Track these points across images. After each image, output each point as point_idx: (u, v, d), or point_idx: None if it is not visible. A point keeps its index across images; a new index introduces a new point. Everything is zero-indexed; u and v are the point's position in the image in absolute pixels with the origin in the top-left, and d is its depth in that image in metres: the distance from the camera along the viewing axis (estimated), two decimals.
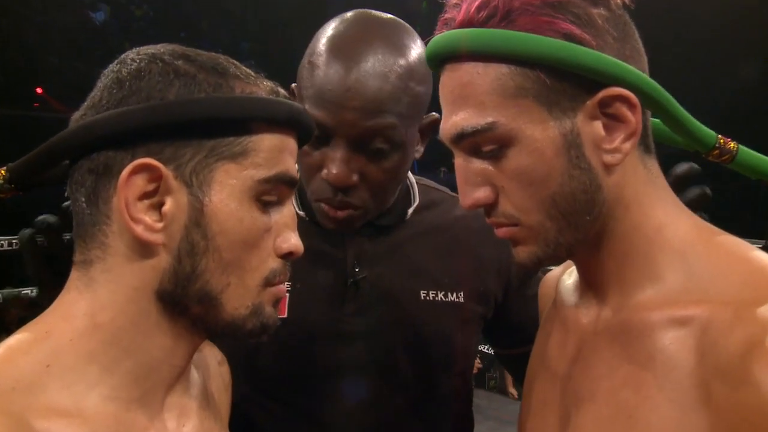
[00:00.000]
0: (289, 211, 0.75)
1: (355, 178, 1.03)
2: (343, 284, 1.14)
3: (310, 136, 0.79)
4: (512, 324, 1.26)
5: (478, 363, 4.35)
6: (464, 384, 1.28)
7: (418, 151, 1.13)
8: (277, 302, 0.75)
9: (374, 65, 1.00)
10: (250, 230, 0.69)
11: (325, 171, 1.03)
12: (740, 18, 6.38)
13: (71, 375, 0.66)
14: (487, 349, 4.46)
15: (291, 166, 0.73)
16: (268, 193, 0.71)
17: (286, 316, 1.12)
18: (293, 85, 1.13)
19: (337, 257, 1.15)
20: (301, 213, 1.16)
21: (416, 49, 1.06)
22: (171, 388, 0.73)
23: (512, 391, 6.56)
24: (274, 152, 0.71)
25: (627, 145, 0.72)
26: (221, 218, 0.67)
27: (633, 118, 0.72)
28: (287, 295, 1.13)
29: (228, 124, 0.68)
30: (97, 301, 0.68)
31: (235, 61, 0.74)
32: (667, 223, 0.75)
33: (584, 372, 0.78)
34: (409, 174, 1.22)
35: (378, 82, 1.00)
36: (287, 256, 0.74)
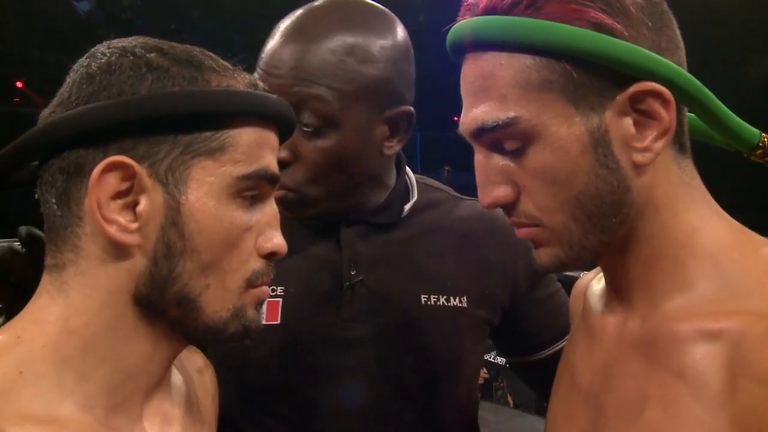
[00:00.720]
0: (271, 209, 0.74)
1: (284, 154, 1.02)
2: (339, 288, 1.12)
3: (292, 129, 0.78)
4: (523, 330, 1.25)
5: (484, 372, 4.35)
6: (469, 394, 1.27)
7: (389, 147, 1.11)
8: (260, 304, 0.75)
9: (310, 36, 1.02)
10: (229, 230, 0.69)
11: None
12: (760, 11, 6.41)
13: (45, 382, 0.65)
14: (494, 358, 4.47)
15: (272, 161, 0.72)
16: (248, 191, 0.70)
17: (279, 322, 1.12)
18: None
19: (332, 259, 1.13)
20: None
21: (378, 31, 1.05)
22: (150, 395, 0.73)
23: (510, 400, 6.58)
24: (254, 147, 0.70)
25: (659, 144, 0.71)
26: (199, 217, 0.67)
27: (666, 116, 0.70)
28: (280, 300, 1.12)
29: (204, 118, 0.68)
30: (71, 305, 0.67)
31: (211, 54, 0.73)
32: (700, 227, 0.74)
33: (610, 385, 0.77)
34: (409, 171, 1.20)
35: (307, 52, 1.01)
36: (270, 256, 0.73)
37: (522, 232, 0.76)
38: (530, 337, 1.20)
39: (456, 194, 1.23)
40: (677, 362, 0.68)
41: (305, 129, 1.01)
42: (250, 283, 0.71)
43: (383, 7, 1.09)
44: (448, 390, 1.18)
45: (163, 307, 0.68)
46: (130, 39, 0.72)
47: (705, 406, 0.65)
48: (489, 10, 0.72)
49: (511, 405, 6.53)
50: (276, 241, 0.73)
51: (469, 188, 1.25)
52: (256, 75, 1.02)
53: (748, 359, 0.63)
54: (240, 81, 0.72)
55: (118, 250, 0.66)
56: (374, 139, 1.07)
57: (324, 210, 1.08)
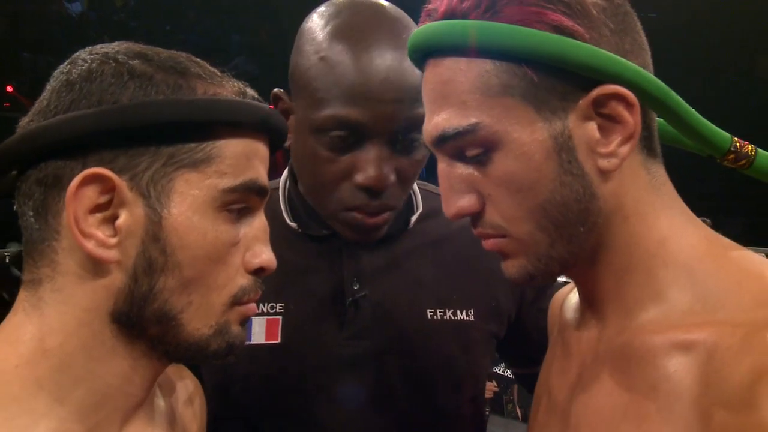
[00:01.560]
0: (260, 223, 0.74)
1: (393, 177, 1.02)
2: (342, 304, 1.13)
3: (283, 140, 0.78)
4: (529, 341, 1.25)
5: (494, 386, 4.33)
6: (476, 410, 1.27)
7: None
8: (244, 321, 0.75)
9: (397, 52, 0.99)
10: (214, 245, 0.69)
11: (359, 175, 1.01)
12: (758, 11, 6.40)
13: (16, 405, 0.65)
14: (503, 371, 4.45)
15: (261, 173, 0.73)
16: (235, 204, 0.71)
17: (279, 341, 1.11)
18: (276, 90, 1.11)
19: (334, 274, 1.14)
20: (293, 225, 1.14)
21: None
22: (130, 418, 0.73)
23: (519, 413, 6.56)
24: (241, 159, 0.71)
25: (624, 149, 0.71)
26: (181, 232, 0.67)
27: (631, 119, 0.71)
28: (280, 318, 1.11)
29: (188, 128, 0.68)
30: (46, 323, 0.68)
31: (198, 60, 0.73)
32: (671, 236, 0.74)
33: (584, 401, 0.78)
34: None
35: (410, 67, 0.98)
36: (258, 272, 0.74)
37: (488, 244, 0.77)
38: (537, 348, 1.21)
39: None
40: (651, 375, 0.69)
41: (408, 147, 1.02)
42: (236, 300, 0.72)
43: (390, 3, 1.12)
44: (455, 406, 1.18)
45: (143, 325, 0.68)
46: (113, 44, 0.72)
47: (679, 421, 0.65)
48: (448, 15, 0.73)
49: (520, 418, 6.51)
50: (264, 256, 0.73)
51: None
52: (335, 107, 0.97)
53: (721, 372, 0.64)
54: (228, 88, 0.72)
55: (96, 266, 0.67)
56: None
57: None
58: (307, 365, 1.13)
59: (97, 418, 0.69)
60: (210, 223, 0.69)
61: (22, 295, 0.70)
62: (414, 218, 1.18)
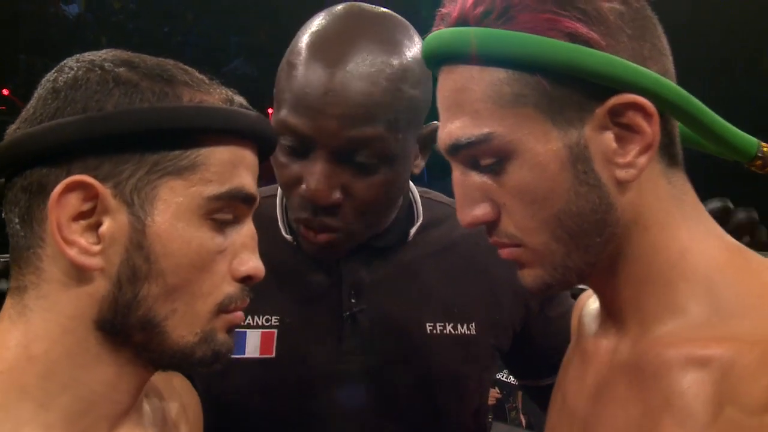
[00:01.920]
0: (248, 230, 0.74)
1: (337, 195, 0.98)
2: (339, 318, 1.10)
3: (273, 148, 0.78)
4: (537, 352, 1.23)
5: (496, 393, 4.32)
6: (478, 423, 1.25)
7: (417, 165, 1.09)
8: (231, 329, 0.74)
9: (359, 65, 0.95)
10: (199, 252, 0.69)
11: (303, 186, 0.98)
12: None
13: (1, 413, 0.65)
14: (506, 377, 4.45)
15: (247, 181, 0.72)
16: (220, 211, 0.70)
17: (273, 355, 1.10)
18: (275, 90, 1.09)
19: (331, 287, 1.11)
20: (289, 237, 1.12)
21: (411, 47, 1.01)
22: (118, 424, 0.73)
23: (523, 420, 6.56)
24: (227, 166, 0.70)
25: (642, 160, 0.70)
26: (165, 239, 0.67)
27: (649, 129, 0.70)
28: (275, 331, 1.10)
29: (172, 136, 0.68)
30: (31, 330, 0.67)
31: (186, 67, 0.73)
32: (692, 247, 0.73)
33: (598, 411, 0.77)
34: (412, 187, 1.18)
35: (363, 85, 0.94)
36: (246, 281, 0.73)
37: (504, 253, 0.76)
38: (543, 360, 1.19)
39: None
40: (665, 390, 0.68)
41: (360, 168, 0.97)
42: (223, 308, 0.71)
43: (396, 14, 1.06)
44: (455, 421, 1.17)
45: (128, 332, 0.68)
46: (101, 52, 0.72)
47: None
48: (461, 21, 0.72)
49: (524, 425, 6.50)
50: (252, 264, 0.73)
51: None
52: (285, 112, 0.96)
53: (737, 390, 0.62)
54: (215, 96, 0.72)
55: (80, 274, 0.67)
56: (412, 162, 1.06)
57: (359, 242, 1.06)
58: (301, 380, 1.10)
59: (83, 424, 0.69)
60: (194, 230, 0.69)
61: (8, 303, 0.70)
62: (413, 230, 1.16)
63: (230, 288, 0.72)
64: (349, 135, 0.94)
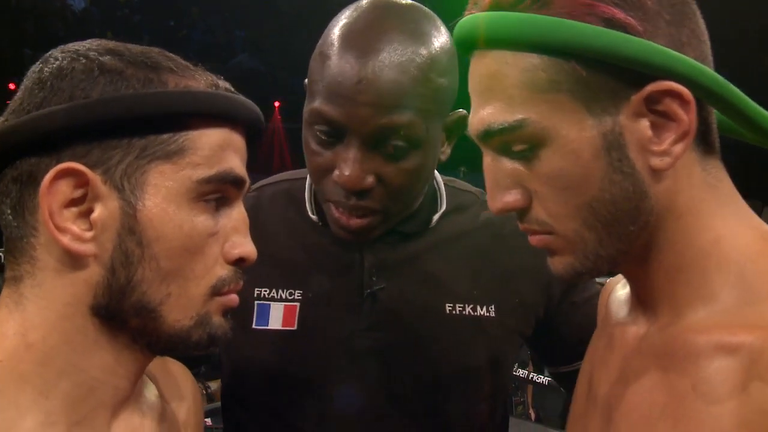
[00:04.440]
0: (238, 213, 0.75)
1: (370, 180, 1.02)
2: (360, 295, 1.13)
3: (260, 129, 0.79)
4: (561, 337, 1.24)
5: None
6: (495, 410, 1.26)
7: (444, 152, 1.12)
8: (227, 311, 0.75)
9: (389, 55, 1.00)
10: (190, 236, 0.69)
11: (336, 173, 1.03)
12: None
13: (1, 400, 0.66)
14: (515, 370, 4.46)
15: (236, 163, 0.73)
16: (211, 194, 0.71)
17: (295, 328, 1.13)
18: (306, 81, 1.13)
19: (354, 266, 1.14)
20: (314, 218, 1.16)
21: (439, 37, 1.05)
22: (118, 411, 0.73)
23: (532, 414, 6.56)
24: (215, 149, 0.70)
25: (678, 148, 0.69)
26: (157, 224, 0.68)
27: (686, 117, 0.68)
28: (297, 305, 1.14)
29: (159, 121, 0.68)
30: (28, 319, 0.68)
31: (171, 55, 0.74)
32: (726, 235, 0.72)
33: (624, 396, 0.77)
34: (437, 175, 1.21)
35: (394, 74, 0.98)
36: (238, 263, 0.74)
37: (534, 240, 0.76)
38: (569, 344, 1.19)
39: (485, 197, 1.24)
40: (692, 376, 0.68)
41: (391, 153, 1.01)
42: (216, 291, 0.72)
43: (422, 5, 1.09)
44: (473, 404, 1.18)
45: (123, 318, 0.69)
46: (86, 42, 0.73)
47: (715, 426, 0.64)
48: (494, 6, 0.71)
49: (533, 419, 6.49)
50: (244, 247, 0.74)
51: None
52: (318, 101, 1.00)
53: (765, 378, 0.62)
54: (201, 81, 0.72)
55: (74, 260, 0.67)
56: (439, 148, 1.09)
57: (392, 225, 1.10)
58: (322, 353, 1.13)
59: (84, 410, 0.69)
60: (185, 214, 0.69)
61: (5, 293, 0.70)
62: (436, 217, 1.18)
63: (223, 271, 0.73)
64: (380, 122, 0.98)
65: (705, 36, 0.73)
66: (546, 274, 1.20)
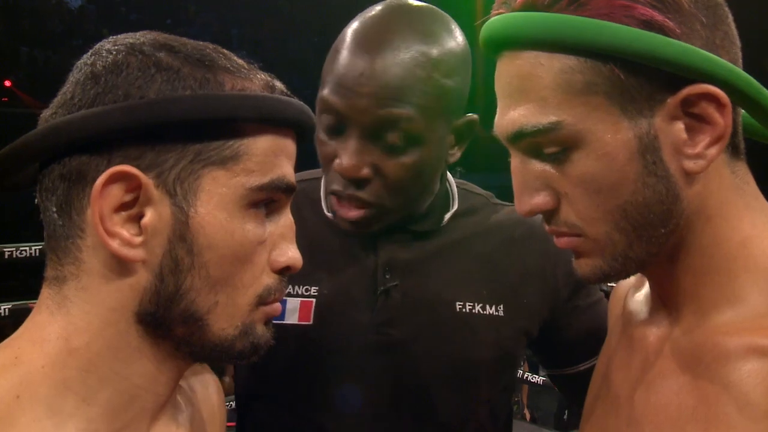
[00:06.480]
0: (286, 220, 0.73)
1: (366, 171, 1.05)
2: (373, 292, 1.15)
3: (311, 134, 0.77)
4: (565, 340, 1.25)
5: None
6: (501, 406, 1.28)
7: (453, 155, 1.15)
8: (269, 321, 0.74)
9: (393, 52, 1.04)
10: (242, 244, 0.68)
11: (337, 161, 1.06)
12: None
13: (43, 407, 0.64)
14: None
15: (288, 170, 0.71)
16: (262, 202, 0.69)
17: (311, 323, 1.14)
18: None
19: (367, 263, 1.17)
20: (330, 215, 1.18)
21: (449, 40, 1.08)
22: (157, 417, 0.72)
23: (527, 414, 6.57)
24: (269, 156, 0.69)
25: (713, 151, 0.69)
26: (209, 231, 0.66)
27: (721, 120, 0.68)
28: (314, 300, 1.16)
29: (216, 125, 0.67)
30: (72, 323, 0.66)
31: (225, 51, 0.71)
32: (754, 236, 0.72)
33: (648, 397, 0.76)
34: (450, 177, 1.23)
35: (395, 69, 1.03)
36: (284, 271, 0.73)
37: (562, 242, 0.74)
38: (571, 349, 1.22)
39: (496, 200, 1.25)
40: (722, 378, 0.67)
41: (390, 147, 1.04)
42: (262, 300, 0.70)
43: (439, 9, 1.13)
44: (481, 400, 1.20)
45: (169, 325, 0.67)
46: (137, 35, 0.70)
47: (747, 429, 0.64)
48: (527, 6, 0.70)
49: (528, 419, 6.50)
50: (291, 254, 0.71)
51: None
52: (326, 91, 1.05)
53: None
54: (256, 82, 0.70)
55: (121, 265, 0.65)
56: (445, 149, 1.12)
57: (392, 221, 1.12)
58: (337, 348, 1.15)
59: (125, 418, 0.67)
60: (237, 222, 0.67)
61: (46, 293, 0.67)
62: (448, 216, 1.21)
63: (269, 279, 0.71)
64: (378, 113, 1.02)
65: (737, 39, 0.72)
66: (553, 276, 1.22)
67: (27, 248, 3.17)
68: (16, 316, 3.13)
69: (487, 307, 1.17)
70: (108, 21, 10.16)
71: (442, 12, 1.13)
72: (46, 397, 0.65)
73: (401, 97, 1.02)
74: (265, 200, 0.69)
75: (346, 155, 1.04)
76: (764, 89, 0.69)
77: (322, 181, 1.20)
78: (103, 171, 0.63)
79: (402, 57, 1.03)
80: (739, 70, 0.68)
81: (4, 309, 3.10)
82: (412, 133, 1.03)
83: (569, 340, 1.22)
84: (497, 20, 0.73)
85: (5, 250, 3.11)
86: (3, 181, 0.70)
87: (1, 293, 3.85)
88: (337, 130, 1.06)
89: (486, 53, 0.78)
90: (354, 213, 1.08)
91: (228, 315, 0.69)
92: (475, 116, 1.11)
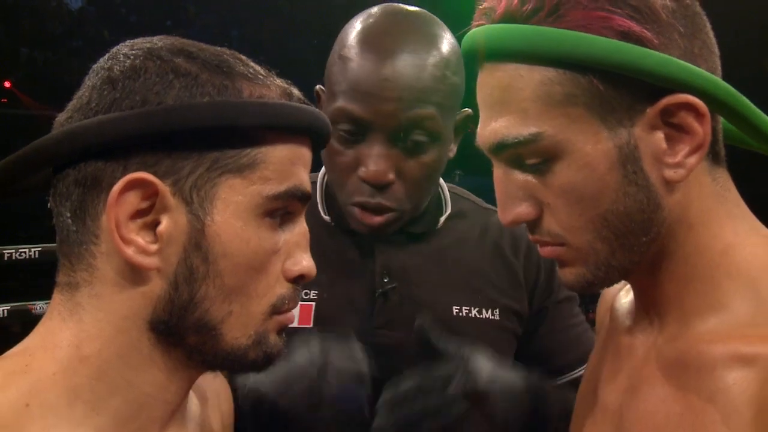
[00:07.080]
0: (300, 228, 0.72)
1: (391, 175, 1.07)
2: (372, 295, 1.17)
3: (326, 142, 0.77)
4: (540, 351, 1.26)
5: None
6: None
7: (451, 150, 1.18)
8: (282, 330, 0.74)
9: (409, 55, 1.06)
10: (256, 253, 0.67)
11: (362, 169, 1.07)
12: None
13: (53, 415, 0.64)
14: None
15: (304, 178, 0.71)
16: (277, 210, 0.69)
17: (311, 326, 1.15)
18: (317, 87, 1.17)
19: (366, 266, 1.19)
20: (327, 218, 1.19)
21: (449, 39, 1.12)
22: (166, 426, 0.72)
23: None
24: (286, 164, 0.68)
25: (692, 160, 0.69)
26: (225, 239, 0.66)
27: (700, 129, 0.68)
28: (313, 304, 1.17)
29: (234, 133, 0.66)
30: (83, 330, 0.66)
31: (242, 57, 0.71)
32: (736, 244, 0.72)
33: (636, 406, 0.76)
34: (441, 181, 1.25)
35: (415, 71, 1.05)
36: (298, 280, 0.72)
37: (546, 251, 0.75)
38: (548, 360, 1.22)
39: (485, 205, 1.28)
40: (708, 386, 0.67)
41: (412, 148, 1.07)
42: (275, 309, 0.70)
43: (426, 11, 1.18)
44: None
45: (182, 334, 0.67)
46: (155, 39, 0.70)
47: None
48: (507, 18, 0.70)
49: None
50: (305, 263, 0.71)
51: (479, 192, 1.28)
52: (341, 101, 1.06)
53: None
54: (274, 89, 0.70)
55: (135, 273, 0.65)
56: (449, 145, 1.15)
57: (405, 223, 1.15)
58: (337, 351, 1.17)
59: (134, 427, 0.67)
60: (253, 230, 0.67)
61: (57, 299, 0.68)
62: (443, 218, 1.23)
63: (283, 289, 0.70)
64: (405, 116, 1.05)
65: (715, 47, 0.73)
66: (532, 286, 1.23)
67: (26, 250, 3.21)
68: (15, 317, 3.17)
69: (483, 311, 1.19)
70: (108, 22, 10.15)
71: (430, 14, 1.17)
72: (55, 405, 0.64)
73: (424, 97, 1.05)
74: (281, 209, 0.69)
75: (372, 161, 1.05)
76: (743, 97, 0.69)
77: (318, 183, 1.21)
78: (119, 177, 0.63)
79: (419, 59, 1.06)
80: (717, 79, 0.69)
81: (4, 310, 3.13)
82: (434, 131, 1.07)
83: (546, 351, 1.24)
84: (477, 32, 0.74)
85: (4, 252, 3.14)
86: (15, 185, 0.70)
87: (0, 294, 3.86)
88: (355, 139, 1.07)
89: (467, 64, 0.78)
90: (378, 219, 1.10)
91: (242, 324, 0.68)
92: (471, 111, 1.13)
